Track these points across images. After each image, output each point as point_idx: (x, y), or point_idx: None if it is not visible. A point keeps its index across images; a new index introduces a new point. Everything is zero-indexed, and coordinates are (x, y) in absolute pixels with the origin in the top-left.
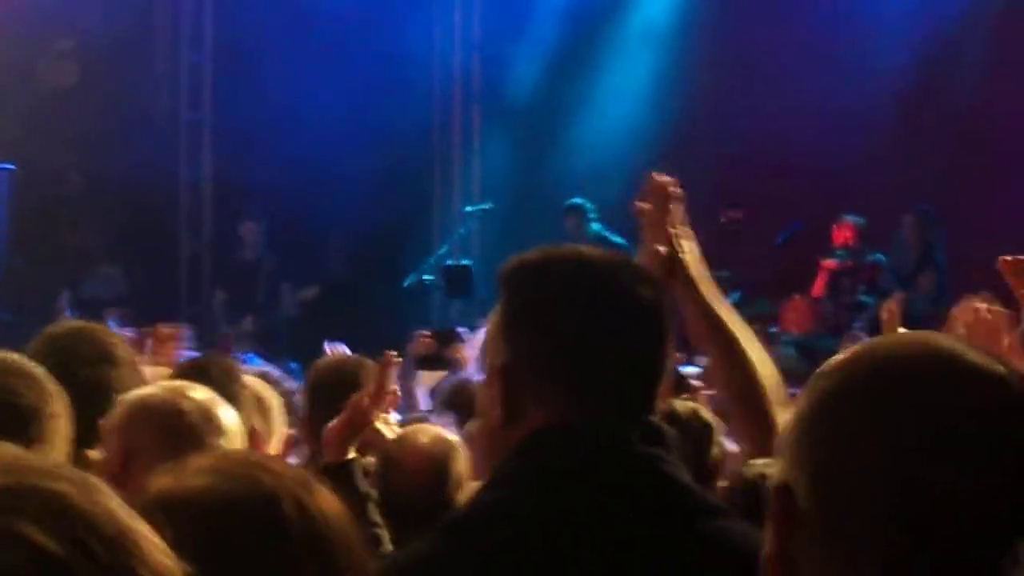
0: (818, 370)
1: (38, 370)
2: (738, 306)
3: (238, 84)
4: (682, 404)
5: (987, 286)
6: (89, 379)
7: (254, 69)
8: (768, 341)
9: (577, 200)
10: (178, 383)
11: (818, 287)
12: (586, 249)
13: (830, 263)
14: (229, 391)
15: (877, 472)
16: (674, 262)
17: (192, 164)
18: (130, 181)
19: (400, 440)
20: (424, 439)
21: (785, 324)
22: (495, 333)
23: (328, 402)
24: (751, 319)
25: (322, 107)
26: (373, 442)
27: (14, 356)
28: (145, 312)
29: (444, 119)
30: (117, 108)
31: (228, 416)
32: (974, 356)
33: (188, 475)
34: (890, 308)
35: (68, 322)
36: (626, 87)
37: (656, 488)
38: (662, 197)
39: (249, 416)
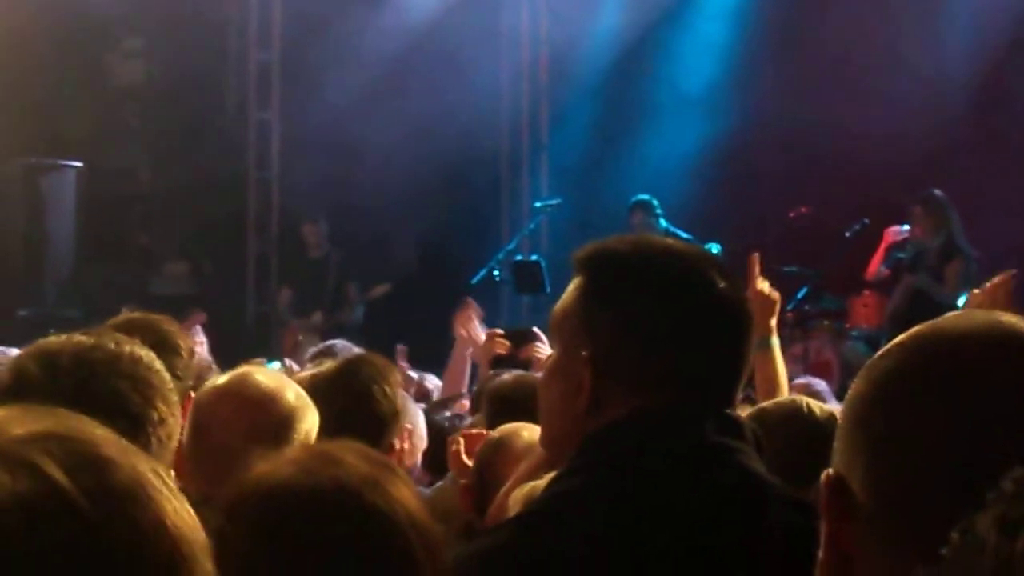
0: (879, 351)
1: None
2: (806, 301)
3: (306, 82)
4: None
5: None
6: None
7: (322, 67)
8: (838, 336)
9: (644, 196)
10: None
11: (875, 263)
12: (672, 241)
13: (892, 233)
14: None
15: (940, 465)
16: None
17: (260, 163)
18: (198, 180)
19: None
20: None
21: (855, 320)
22: (574, 320)
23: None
24: (820, 315)
25: (389, 104)
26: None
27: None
28: (213, 310)
29: (512, 114)
30: (185, 107)
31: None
32: None
33: (278, 467)
34: (995, 283)
35: (127, 313)
36: (694, 84)
37: (731, 478)
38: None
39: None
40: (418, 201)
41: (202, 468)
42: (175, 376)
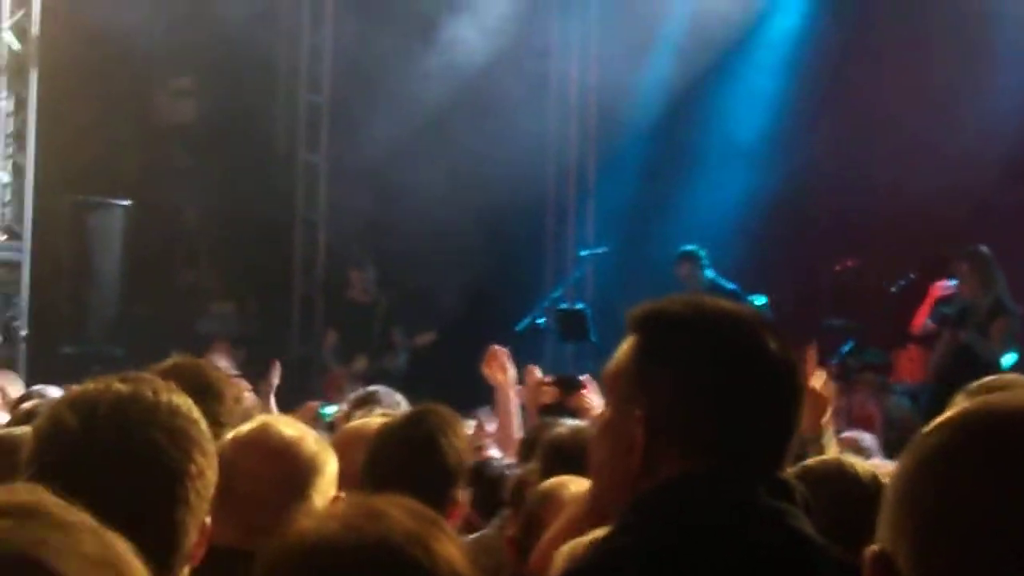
0: (925, 428)
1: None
2: (850, 355)
3: (354, 125)
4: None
5: None
6: None
7: (370, 110)
8: (881, 390)
9: (691, 247)
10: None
11: (921, 317)
12: (726, 303)
13: (939, 288)
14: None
15: (990, 544)
16: None
17: (308, 204)
18: (246, 220)
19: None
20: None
21: (899, 374)
22: (629, 379)
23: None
24: (863, 368)
25: (436, 149)
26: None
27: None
28: (257, 351)
29: (560, 161)
30: (234, 146)
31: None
32: None
33: (321, 522)
34: None
35: (173, 357)
36: (743, 135)
37: (781, 540)
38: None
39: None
40: (464, 247)
41: (228, 517)
42: (218, 422)
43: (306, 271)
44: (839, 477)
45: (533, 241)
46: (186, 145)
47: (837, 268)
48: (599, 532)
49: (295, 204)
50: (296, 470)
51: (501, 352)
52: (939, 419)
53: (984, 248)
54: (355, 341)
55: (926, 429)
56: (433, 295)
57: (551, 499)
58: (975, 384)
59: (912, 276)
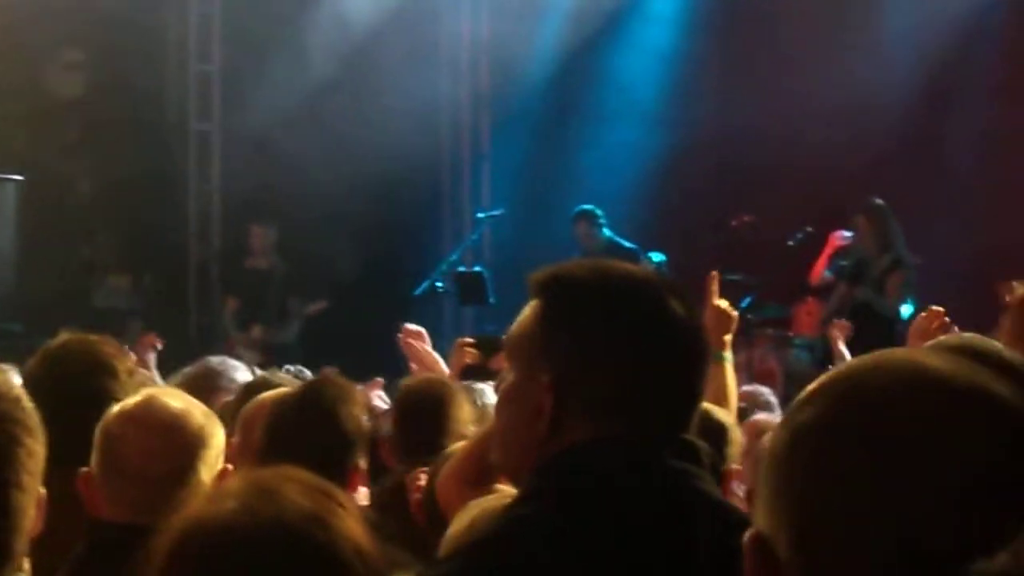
0: (793, 401)
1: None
2: (750, 310)
3: (246, 94)
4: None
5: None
6: (85, 390)
7: (262, 78)
8: (781, 344)
9: (587, 206)
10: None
11: (819, 269)
12: (630, 266)
13: (837, 239)
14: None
15: (864, 527)
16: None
17: (201, 174)
18: (139, 191)
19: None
20: None
21: (798, 328)
22: (534, 344)
23: (418, 426)
24: (763, 323)
25: (329, 115)
26: None
27: None
28: (155, 322)
29: (454, 123)
30: (125, 118)
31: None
32: (981, 380)
33: (218, 503)
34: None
35: (65, 335)
36: (638, 92)
37: (688, 503)
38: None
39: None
40: (359, 212)
41: (115, 493)
42: (113, 398)
43: (201, 240)
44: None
45: (429, 205)
46: (77, 118)
47: (734, 223)
48: (495, 499)
49: (188, 174)
50: (183, 443)
51: (410, 333)
52: (809, 390)
53: (880, 201)
54: (252, 309)
55: (799, 399)
56: (329, 261)
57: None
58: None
59: (809, 229)
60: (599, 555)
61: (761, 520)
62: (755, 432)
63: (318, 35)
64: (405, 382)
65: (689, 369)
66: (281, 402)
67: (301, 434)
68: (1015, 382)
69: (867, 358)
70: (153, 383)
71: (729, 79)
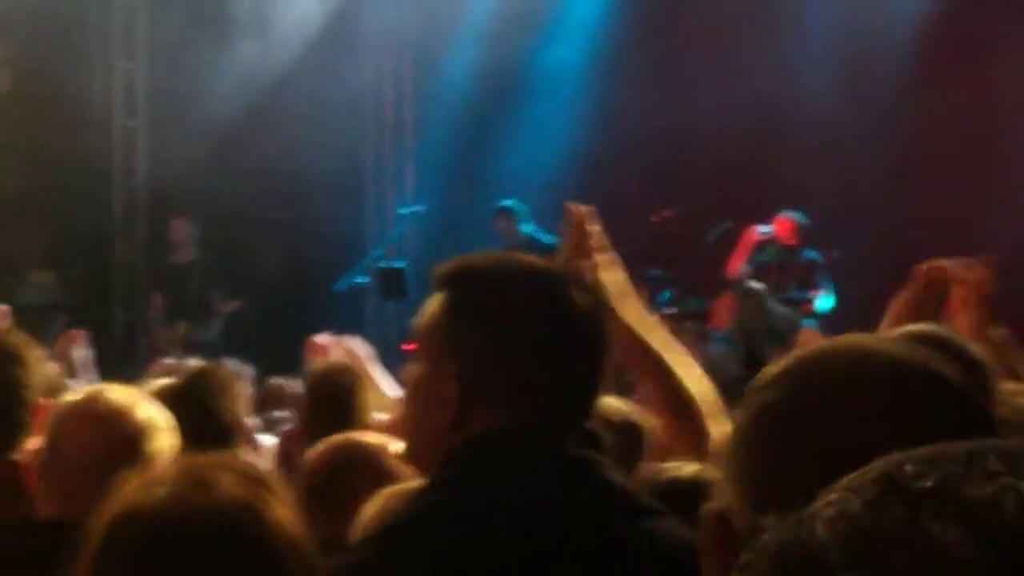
0: (754, 384)
1: None
2: (670, 304)
3: (171, 90)
4: (614, 408)
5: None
6: None
7: (187, 74)
8: (702, 338)
9: (508, 202)
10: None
11: (736, 263)
12: (530, 258)
13: (754, 233)
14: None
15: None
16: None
17: (126, 170)
18: (65, 188)
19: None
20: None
21: (718, 320)
22: (440, 335)
23: (328, 411)
24: (684, 317)
25: (254, 111)
26: None
27: None
28: (80, 318)
29: (378, 120)
30: (51, 114)
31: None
32: (927, 363)
33: (150, 491)
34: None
35: None
36: (561, 88)
37: (591, 490)
38: (581, 226)
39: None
40: (284, 209)
41: (55, 487)
42: (21, 386)
43: (126, 236)
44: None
45: (353, 200)
46: (2, 115)
47: (653, 218)
48: (406, 487)
49: (114, 170)
50: (125, 439)
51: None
52: (771, 373)
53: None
54: (176, 304)
55: (760, 382)
56: (253, 257)
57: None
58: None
59: (729, 223)
60: (503, 542)
61: (722, 496)
62: None
63: (242, 31)
64: (311, 370)
65: (591, 360)
66: (159, 395)
67: (183, 424)
68: (963, 365)
69: (825, 344)
70: (63, 375)
71: (653, 74)
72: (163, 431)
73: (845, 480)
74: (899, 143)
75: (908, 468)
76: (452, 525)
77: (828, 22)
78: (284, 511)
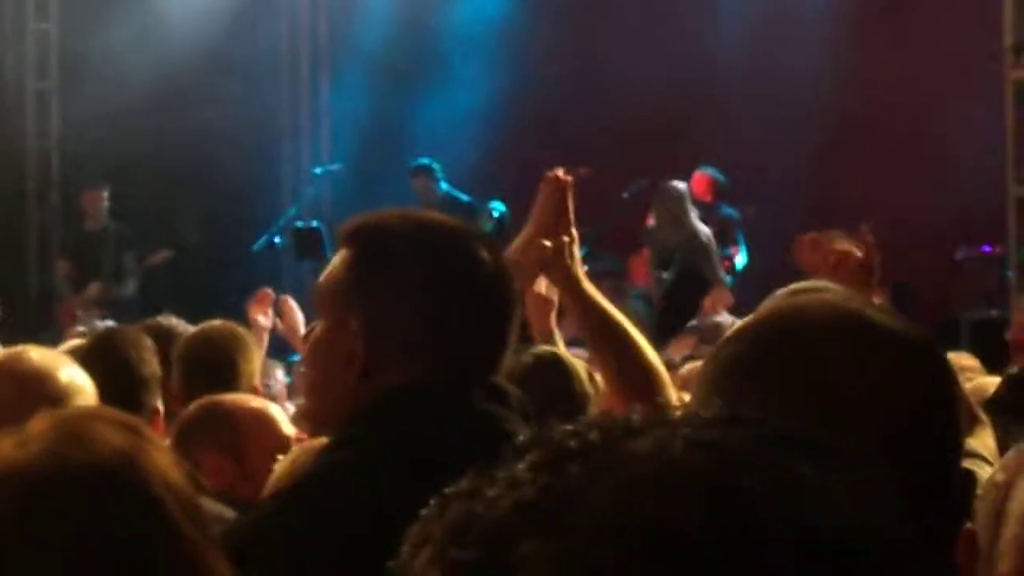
0: (725, 335)
1: None
2: (586, 261)
3: (85, 53)
4: (544, 350)
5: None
6: None
7: (99, 36)
8: (618, 295)
9: (424, 160)
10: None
11: (650, 219)
12: (435, 214)
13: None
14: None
15: None
16: (561, 258)
17: (39, 134)
18: None
19: None
20: None
21: (634, 278)
22: (343, 292)
23: (202, 376)
24: (601, 274)
25: (166, 74)
26: None
27: None
28: None
29: (292, 77)
30: None
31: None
32: (886, 320)
33: (19, 443)
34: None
35: None
36: (473, 42)
37: (496, 445)
38: (560, 194)
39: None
40: (198, 170)
41: None
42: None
43: (40, 201)
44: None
45: (269, 161)
46: None
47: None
48: (317, 443)
49: (26, 134)
50: (41, 395)
51: (268, 296)
52: (737, 327)
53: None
54: (89, 270)
55: (728, 335)
56: (168, 219)
57: None
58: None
59: (645, 181)
60: (408, 499)
61: None
62: None
63: None
64: (190, 332)
65: (497, 315)
66: (74, 352)
67: (98, 381)
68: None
69: (790, 301)
70: None
71: (572, 28)
72: (85, 393)
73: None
74: (820, 104)
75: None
76: (360, 481)
77: None
78: (162, 458)
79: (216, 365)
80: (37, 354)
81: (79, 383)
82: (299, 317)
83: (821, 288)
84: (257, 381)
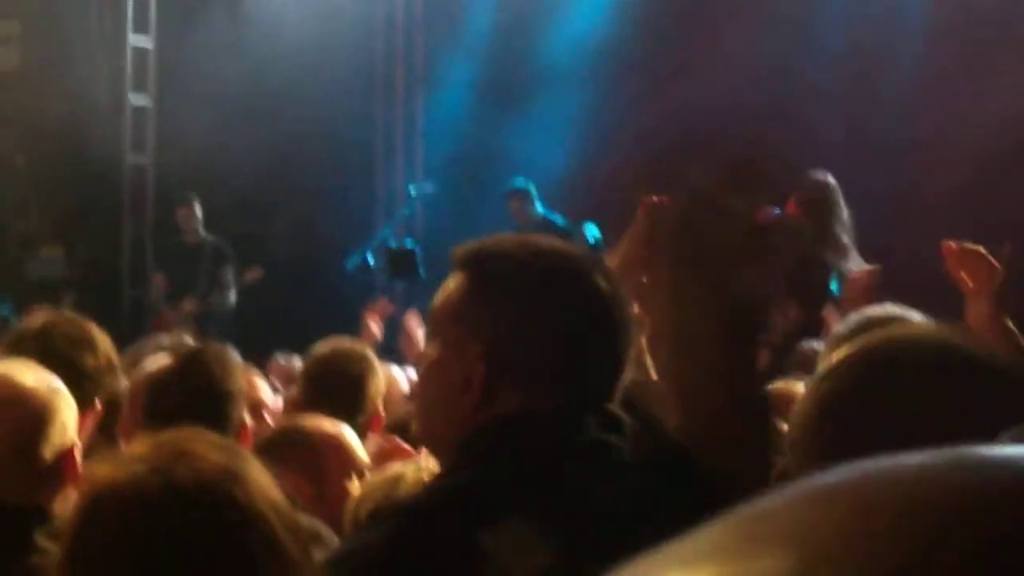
0: (821, 370)
1: None
2: None
3: (182, 67)
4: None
5: None
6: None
7: (197, 51)
8: None
9: (520, 182)
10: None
11: None
12: (551, 240)
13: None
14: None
15: None
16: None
17: (136, 148)
18: (75, 165)
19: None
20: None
21: None
22: (462, 315)
23: (328, 394)
24: None
25: (264, 90)
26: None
27: None
28: (88, 295)
29: (387, 98)
30: (61, 91)
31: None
32: (993, 359)
33: (121, 463)
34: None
35: (46, 314)
36: (576, 65)
37: (611, 476)
38: (653, 222)
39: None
40: (293, 187)
41: None
42: (87, 375)
43: (135, 215)
44: None
45: (363, 180)
46: (12, 92)
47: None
48: (407, 467)
49: (123, 148)
50: (20, 417)
51: (387, 306)
52: (834, 360)
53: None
54: (184, 283)
55: (822, 371)
56: (262, 234)
57: None
58: (855, 321)
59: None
60: (522, 526)
61: (792, 469)
62: None
63: (251, 8)
64: (316, 350)
65: (614, 341)
66: (160, 370)
67: (187, 398)
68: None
69: (893, 332)
70: None
71: (674, 49)
72: (64, 410)
73: None
74: (907, 137)
75: None
76: (472, 510)
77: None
78: (263, 476)
79: (342, 385)
80: (17, 372)
81: (59, 403)
82: (420, 333)
83: (899, 317)
84: (380, 404)
